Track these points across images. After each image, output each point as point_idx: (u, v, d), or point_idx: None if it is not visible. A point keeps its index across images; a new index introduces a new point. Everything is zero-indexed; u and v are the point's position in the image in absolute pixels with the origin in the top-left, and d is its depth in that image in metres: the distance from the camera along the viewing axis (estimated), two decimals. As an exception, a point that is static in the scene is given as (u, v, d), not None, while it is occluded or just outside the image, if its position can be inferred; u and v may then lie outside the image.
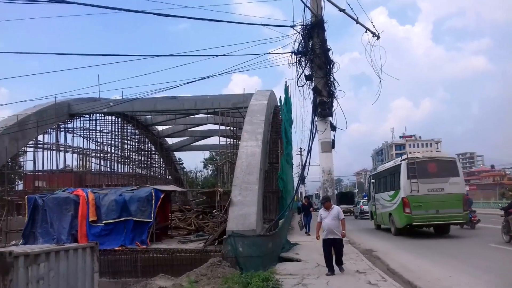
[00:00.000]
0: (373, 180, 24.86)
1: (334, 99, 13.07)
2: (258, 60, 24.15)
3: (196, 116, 29.58)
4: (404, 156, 19.20)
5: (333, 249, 9.92)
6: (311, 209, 21.29)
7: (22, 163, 27.16)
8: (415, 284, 8.89)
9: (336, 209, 10.12)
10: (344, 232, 10.03)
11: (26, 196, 16.35)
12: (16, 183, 29.97)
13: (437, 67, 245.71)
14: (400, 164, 18.46)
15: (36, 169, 22.67)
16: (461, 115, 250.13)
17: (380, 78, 13.34)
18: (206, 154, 48.69)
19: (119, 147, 28.54)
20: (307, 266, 10.85)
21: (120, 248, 13.96)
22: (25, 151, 23.31)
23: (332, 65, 13.06)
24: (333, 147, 13.32)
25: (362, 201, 38.61)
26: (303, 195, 45.56)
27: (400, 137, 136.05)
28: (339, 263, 10.04)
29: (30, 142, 22.19)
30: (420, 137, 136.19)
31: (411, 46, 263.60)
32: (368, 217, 28.53)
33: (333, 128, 13.19)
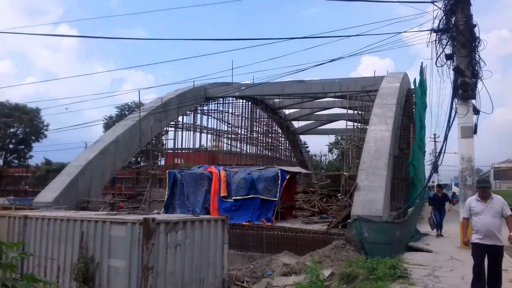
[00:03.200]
0: None
1: (479, 80, 11.75)
2: (390, 40, 23.05)
3: (323, 99, 29.36)
4: (494, 166, 28.39)
5: (486, 261, 6.78)
6: (449, 204, 15.94)
7: (164, 141, 30.04)
8: None
9: (499, 200, 6.84)
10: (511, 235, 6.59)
11: (167, 171, 18.11)
12: (159, 159, 33.32)
13: None
14: (490, 171, 28.20)
15: (176, 147, 24.90)
16: None
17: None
18: (332, 138, 48.19)
19: (249, 129, 29.83)
20: (438, 258, 10.14)
21: (247, 223, 14.69)
22: (167, 131, 25.69)
23: (478, 43, 11.73)
24: (475, 132, 12.03)
25: None
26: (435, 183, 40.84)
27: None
28: (495, 286, 6.76)
29: (171, 123, 24.36)
30: None
31: None
32: None
33: (476, 111, 11.89)
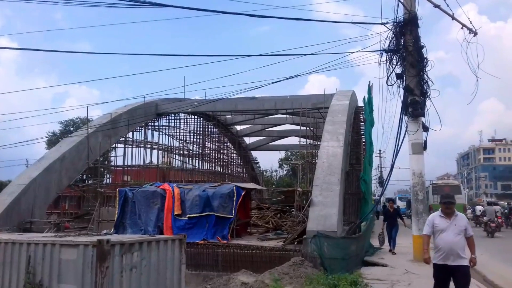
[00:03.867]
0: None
1: (427, 99, 12.38)
2: (340, 60, 23.85)
3: (274, 116, 29.72)
4: (432, 182, 34.49)
5: (453, 283, 6.24)
6: (401, 219, 15.38)
7: (112, 158, 29.04)
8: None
9: (463, 218, 6.41)
10: (475, 258, 6.27)
11: (117, 189, 17.46)
12: (105, 176, 32.08)
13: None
14: (429, 186, 31.18)
15: (125, 163, 24.12)
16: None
17: (477, 77, 12.41)
18: (282, 154, 48.80)
19: (200, 145, 29.52)
20: (395, 272, 10.38)
21: (203, 241, 14.39)
22: (116, 147, 24.87)
23: (426, 63, 12.42)
24: (424, 148, 12.62)
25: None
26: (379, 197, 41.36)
27: (489, 141, 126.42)
28: None
29: (121, 139, 23.62)
30: (511, 141, 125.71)
31: (503, 44, 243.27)
32: None
33: (426, 128, 12.48)
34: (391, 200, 16.63)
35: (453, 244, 6.11)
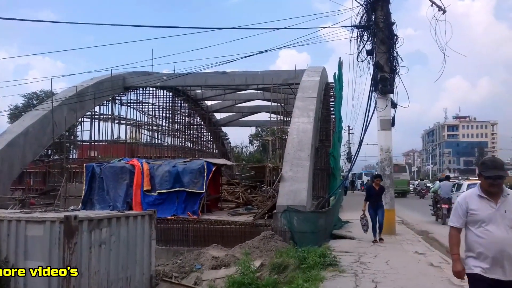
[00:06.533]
0: None
1: (396, 75, 12.57)
2: (311, 36, 23.79)
3: (245, 91, 29.51)
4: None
5: None
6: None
7: (78, 132, 28.29)
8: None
9: None
10: None
11: (84, 165, 17.06)
12: (72, 152, 31.31)
13: (498, 45, 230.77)
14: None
15: (92, 138, 23.55)
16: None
17: (444, 54, 12.63)
18: (253, 129, 48.88)
19: (170, 120, 29.08)
20: (362, 245, 10.68)
21: (173, 217, 14.37)
22: (82, 122, 24.21)
23: (396, 40, 12.55)
24: (393, 125, 12.88)
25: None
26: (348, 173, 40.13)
27: (454, 118, 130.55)
28: None
29: (87, 113, 22.98)
30: (475, 119, 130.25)
31: (470, 22, 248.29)
32: None
33: (394, 105, 12.70)
34: (379, 177, 12.49)
35: (505, 243, 3.68)
